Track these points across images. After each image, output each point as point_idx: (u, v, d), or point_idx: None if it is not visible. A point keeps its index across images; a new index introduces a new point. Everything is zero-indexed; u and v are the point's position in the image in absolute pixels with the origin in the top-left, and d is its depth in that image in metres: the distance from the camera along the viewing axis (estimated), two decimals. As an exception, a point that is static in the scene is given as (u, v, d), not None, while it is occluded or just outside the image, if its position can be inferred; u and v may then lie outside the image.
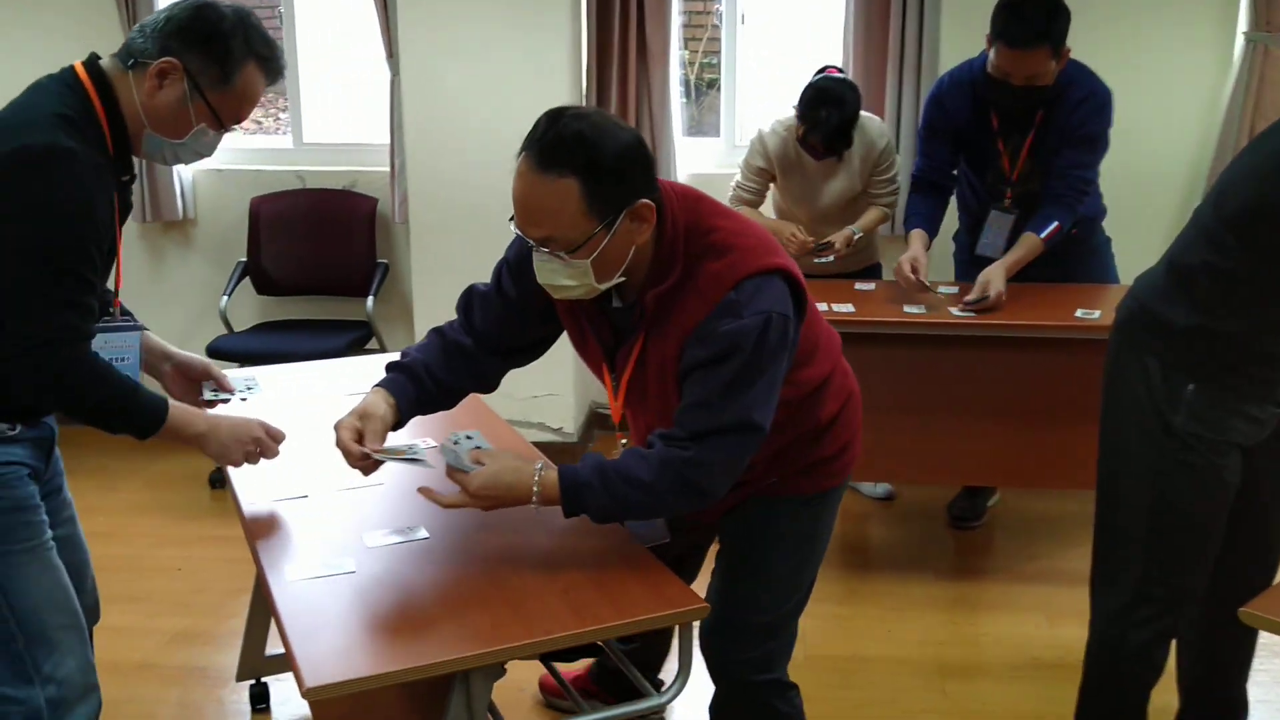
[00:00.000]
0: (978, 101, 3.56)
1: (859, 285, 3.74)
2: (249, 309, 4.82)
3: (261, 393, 2.36)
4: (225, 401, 2.36)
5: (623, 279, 1.91)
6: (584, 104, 4.41)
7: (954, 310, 3.43)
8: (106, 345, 2.10)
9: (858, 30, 4.35)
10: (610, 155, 1.79)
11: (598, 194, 1.79)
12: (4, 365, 1.86)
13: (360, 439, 2.00)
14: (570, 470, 1.92)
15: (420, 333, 4.42)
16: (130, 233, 4.79)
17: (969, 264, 3.79)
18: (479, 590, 1.82)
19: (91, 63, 1.99)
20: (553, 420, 4.50)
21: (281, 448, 2.19)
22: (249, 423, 2.14)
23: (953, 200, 3.84)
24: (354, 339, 4.49)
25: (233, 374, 2.41)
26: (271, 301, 4.83)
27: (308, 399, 2.69)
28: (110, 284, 2.16)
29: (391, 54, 4.49)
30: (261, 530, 2.05)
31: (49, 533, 2.06)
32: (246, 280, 4.75)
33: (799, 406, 2.07)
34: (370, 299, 4.59)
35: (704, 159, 4.70)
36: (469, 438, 2.00)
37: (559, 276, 1.87)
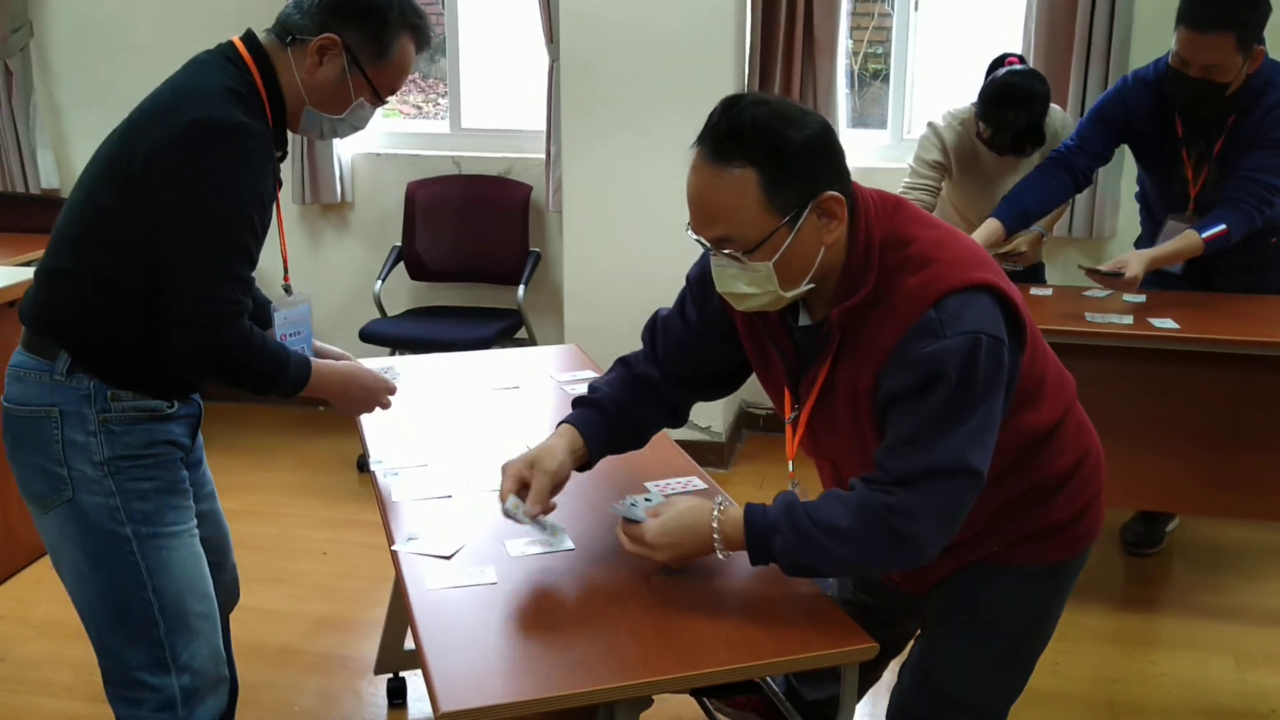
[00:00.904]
0: (1163, 103, 3.28)
1: (1035, 290, 3.50)
2: (402, 293, 4.82)
3: (401, 378, 2.33)
4: None
5: (811, 287, 1.70)
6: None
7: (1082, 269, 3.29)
8: (285, 322, 2.16)
9: (1041, 18, 4.09)
10: (793, 143, 1.60)
11: (779, 185, 1.60)
12: (169, 335, 1.86)
13: (524, 488, 1.86)
14: (758, 511, 1.72)
15: (569, 324, 4.36)
16: (289, 214, 4.85)
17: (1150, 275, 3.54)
18: (626, 612, 1.71)
19: (251, 39, 1.98)
20: (701, 418, 4.37)
21: (428, 447, 2.22)
22: (375, 382, 2.19)
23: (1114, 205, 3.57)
24: (504, 328, 4.44)
25: (372, 363, 2.40)
26: (424, 287, 4.83)
27: (454, 394, 2.62)
28: (279, 261, 2.23)
29: (551, 39, 4.42)
30: (403, 532, 1.97)
31: (195, 519, 2.05)
32: (400, 265, 4.75)
33: (1021, 456, 1.78)
34: (521, 288, 4.53)
35: (868, 153, 4.50)
36: (647, 500, 1.89)
37: (738, 282, 1.68)
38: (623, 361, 2.03)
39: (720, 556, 1.75)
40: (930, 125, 3.59)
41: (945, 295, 1.62)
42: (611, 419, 1.94)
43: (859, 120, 4.91)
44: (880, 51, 5.05)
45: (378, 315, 4.60)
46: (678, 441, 2.38)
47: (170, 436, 1.99)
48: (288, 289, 2.20)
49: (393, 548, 1.90)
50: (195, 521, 2.05)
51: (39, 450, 1.92)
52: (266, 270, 2.32)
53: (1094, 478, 1.92)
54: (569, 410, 1.98)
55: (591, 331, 4.21)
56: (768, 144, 1.59)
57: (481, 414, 2.51)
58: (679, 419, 2.05)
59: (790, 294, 1.69)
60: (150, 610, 1.95)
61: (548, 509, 1.87)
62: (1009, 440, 1.72)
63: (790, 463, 1.88)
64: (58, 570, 2.03)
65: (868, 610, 1.99)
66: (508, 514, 1.86)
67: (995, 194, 3.58)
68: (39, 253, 4.00)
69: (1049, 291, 3.51)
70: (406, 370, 2.64)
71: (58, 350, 1.91)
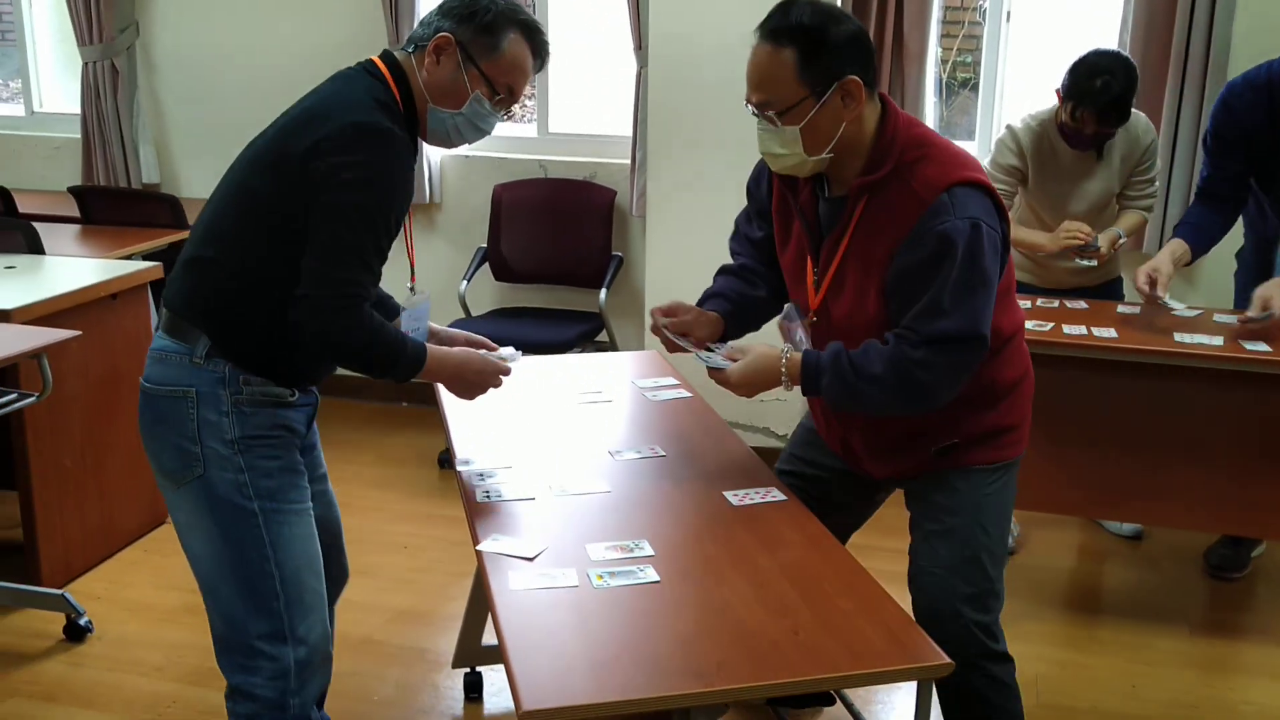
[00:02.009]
0: (1274, 107, 3.21)
1: (1121, 308, 3.45)
2: (486, 294, 4.90)
3: (519, 362, 2.40)
4: None
5: (831, 155, 2.09)
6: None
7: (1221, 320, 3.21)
8: (408, 318, 2.31)
9: (1137, 28, 4.02)
10: (830, 34, 2.03)
11: (811, 65, 2.03)
12: (297, 310, 1.98)
13: (670, 317, 2.33)
14: (813, 355, 2.15)
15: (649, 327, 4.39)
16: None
17: (1251, 288, 3.45)
18: (703, 619, 1.73)
19: (388, 56, 2.15)
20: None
21: (513, 449, 2.34)
22: (488, 366, 2.31)
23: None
24: (585, 330, 4.49)
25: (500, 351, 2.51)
26: (508, 288, 4.90)
27: (539, 397, 2.67)
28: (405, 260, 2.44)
29: (640, 46, 4.46)
30: (487, 532, 2.02)
31: (310, 500, 2.17)
32: (485, 266, 4.83)
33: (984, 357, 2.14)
34: (603, 291, 4.58)
35: (955, 163, 4.46)
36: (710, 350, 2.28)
37: (773, 144, 2.10)
38: (722, 269, 2.49)
39: (784, 389, 2.19)
40: (1008, 128, 3.55)
41: (955, 184, 2.04)
42: (732, 300, 2.41)
43: (946, 129, 4.88)
44: (970, 60, 5.02)
45: (462, 315, 4.68)
46: (756, 449, 2.42)
47: (290, 422, 2.13)
48: (413, 289, 2.35)
49: (478, 547, 1.95)
50: (310, 502, 2.17)
51: (176, 428, 2.05)
52: (391, 273, 2.43)
53: (1029, 397, 2.34)
54: (651, 416, 2.09)
55: (672, 336, 4.23)
56: (809, 32, 2.03)
57: (565, 418, 2.55)
58: (779, 301, 2.40)
59: (814, 158, 2.10)
60: (273, 583, 2.06)
61: (699, 339, 2.32)
62: None
63: (813, 313, 2.24)
64: (186, 545, 2.13)
65: (819, 496, 2.35)
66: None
67: (1072, 196, 3.53)
68: (141, 245, 4.19)
69: (1137, 309, 3.45)
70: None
71: (198, 335, 2.04)
